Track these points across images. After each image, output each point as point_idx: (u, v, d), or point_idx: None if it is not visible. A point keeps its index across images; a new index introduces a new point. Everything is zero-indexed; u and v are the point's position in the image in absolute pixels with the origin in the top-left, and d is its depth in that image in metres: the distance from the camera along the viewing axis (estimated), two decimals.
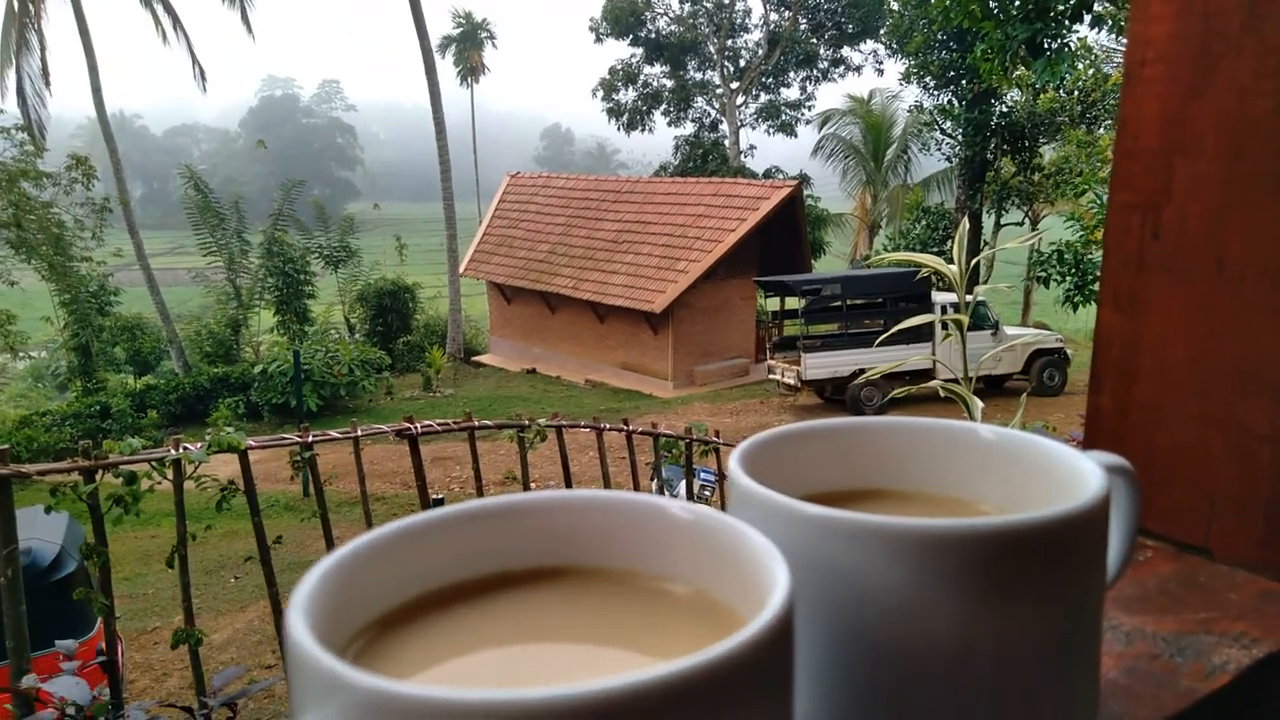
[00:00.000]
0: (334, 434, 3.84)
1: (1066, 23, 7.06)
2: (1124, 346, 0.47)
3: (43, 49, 21.54)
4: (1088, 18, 7.06)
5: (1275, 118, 0.41)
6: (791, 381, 16.22)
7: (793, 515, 0.33)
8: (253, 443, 3.40)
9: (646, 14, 31.33)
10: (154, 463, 3.12)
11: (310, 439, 3.62)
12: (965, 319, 2.54)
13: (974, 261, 2.87)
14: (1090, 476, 0.34)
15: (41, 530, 5.49)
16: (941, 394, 2.02)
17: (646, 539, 0.35)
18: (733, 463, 0.38)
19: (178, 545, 3.25)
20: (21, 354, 19.06)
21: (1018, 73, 10.56)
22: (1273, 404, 0.42)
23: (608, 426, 4.71)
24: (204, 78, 23.61)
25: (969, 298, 2.68)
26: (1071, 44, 10.07)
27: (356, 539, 0.34)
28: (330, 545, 3.75)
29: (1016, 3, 6.91)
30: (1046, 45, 7.06)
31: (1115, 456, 0.37)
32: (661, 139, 34.13)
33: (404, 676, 0.30)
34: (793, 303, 17.24)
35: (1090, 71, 17.04)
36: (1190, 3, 0.44)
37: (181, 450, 3.16)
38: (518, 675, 0.32)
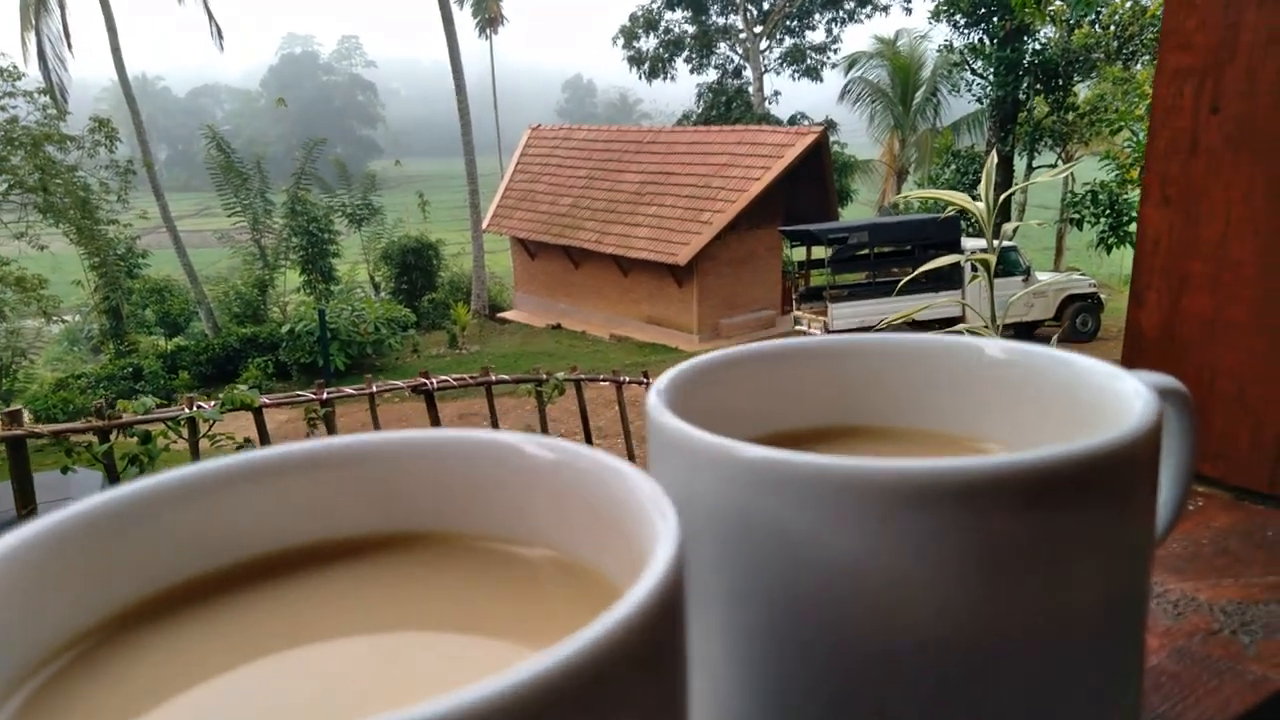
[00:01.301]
0: (349, 390, 3.82)
1: None
2: (1173, 248, 0.37)
3: (63, 10, 21.48)
4: None
5: None
6: (818, 332, 16.05)
7: (722, 459, 0.25)
8: (266, 400, 3.38)
9: None
10: (169, 421, 3.11)
11: (325, 395, 3.60)
12: (993, 259, 2.41)
13: (1002, 198, 2.72)
14: (1135, 398, 0.25)
15: (75, 490, 5.59)
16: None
17: (495, 491, 0.27)
18: (651, 396, 0.29)
19: None
20: (55, 318, 19.35)
21: (1052, 7, 10.14)
22: None
23: (627, 380, 4.65)
24: (221, 37, 23.47)
25: (997, 241, 2.55)
26: None
27: (78, 505, 0.25)
28: None
29: None
30: None
31: (1165, 376, 0.29)
32: (684, 87, 33.51)
33: None
34: (819, 252, 16.97)
35: (1128, 4, 16.32)
36: None
37: (195, 409, 3.14)
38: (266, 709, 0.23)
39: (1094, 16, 14.56)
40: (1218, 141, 0.36)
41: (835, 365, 0.33)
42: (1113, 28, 17.39)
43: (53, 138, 16.92)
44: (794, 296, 17.71)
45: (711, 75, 32.09)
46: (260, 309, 21.23)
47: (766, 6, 31.64)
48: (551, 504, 0.26)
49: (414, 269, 23.28)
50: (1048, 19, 13.29)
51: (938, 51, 24.29)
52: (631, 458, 4.54)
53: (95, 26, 21.39)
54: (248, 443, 3.31)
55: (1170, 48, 0.39)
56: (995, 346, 0.31)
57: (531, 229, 22.56)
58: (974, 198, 2.51)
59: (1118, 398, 0.26)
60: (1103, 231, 14.26)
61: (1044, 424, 0.30)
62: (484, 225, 23.53)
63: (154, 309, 19.65)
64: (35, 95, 17.70)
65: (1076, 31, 17.68)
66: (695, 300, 19.41)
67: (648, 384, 4.78)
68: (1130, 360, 0.40)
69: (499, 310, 24.20)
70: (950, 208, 2.56)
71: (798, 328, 16.76)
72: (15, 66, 17.58)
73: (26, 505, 2.79)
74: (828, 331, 15.79)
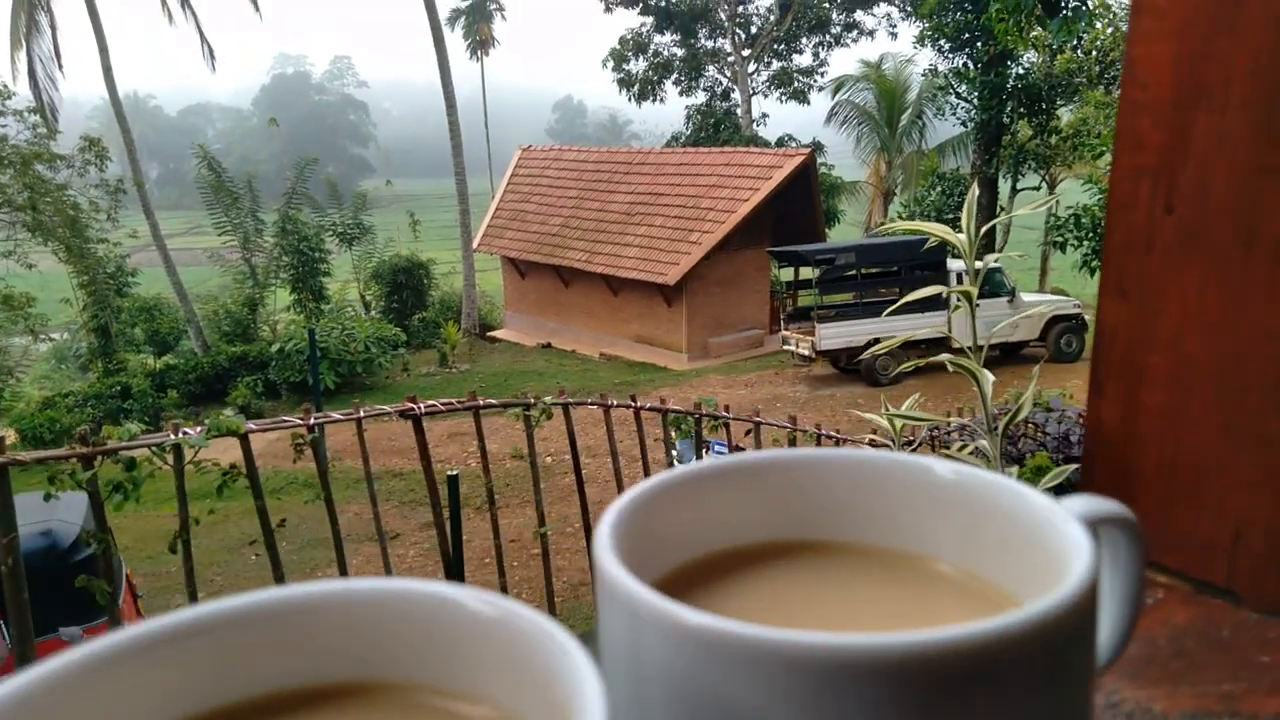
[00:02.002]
0: (336, 415, 3.80)
1: None
2: (1131, 341, 0.38)
3: (54, 31, 21.50)
4: None
5: None
6: (806, 352, 16.10)
7: (659, 621, 0.25)
8: (253, 426, 3.36)
9: None
10: (153, 448, 3.09)
11: (312, 421, 3.58)
12: (974, 290, 2.44)
13: (985, 229, 2.75)
14: (1074, 548, 0.25)
15: (62, 511, 5.51)
16: (950, 369, 1.94)
17: (440, 642, 0.27)
18: (599, 532, 0.28)
19: (180, 530, 3.23)
20: (43, 336, 19.23)
21: (1034, 33, 10.28)
22: None
23: (615, 403, 4.64)
24: (213, 57, 23.52)
25: (979, 264, 2.57)
26: (1089, 2, 9.79)
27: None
28: (335, 527, 3.72)
29: None
30: (1062, 4, 6.83)
31: (1110, 503, 0.29)
32: (673, 109, 33.73)
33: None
34: (807, 273, 17.06)
35: (1109, 30, 16.58)
36: None
37: (180, 435, 3.12)
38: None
39: (1076, 42, 14.77)
40: (1172, 241, 0.37)
41: (786, 480, 0.33)
42: (1094, 53, 17.65)
43: (43, 156, 16.89)
44: (782, 316, 17.79)
45: (700, 97, 32.35)
46: (250, 327, 21.15)
47: (754, 30, 31.97)
48: (493, 659, 0.26)
49: (404, 288, 23.27)
50: (1030, 45, 13.48)
51: (923, 75, 24.56)
52: (619, 478, 4.51)
53: (87, 45, 21.41)
54: (233, 469, 3.29)
55: (1125, 147, 0.40)
56: (944, 467, 0.30)
57: (522, 248, 22.62)
58: (956, 228, 2.53)
59: (1058, 537, 0.27)
60: (1086, 254, 14.40)
61: (989, 546, 0.30)
62: (474, 244, 23.56)
63: (143, 327, 19.55)
64: (25, 114, 17.68)
65: (1059, 57, 17.92)
66: (684, 319, 19.47)
67: (636, 407, 4.78)
68: (1092, 449, 0.40)
69: (489, 329, 24.19)
70: (933, 239, 2.59)
71: (786, 347, 16.82)
72: (6, 86, 17.56)
73: (7, 533, 2.76)
74: (816, 350, 15.81)
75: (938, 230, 2.80)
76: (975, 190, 2.80)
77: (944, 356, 2.64)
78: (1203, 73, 0.35)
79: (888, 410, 3.58)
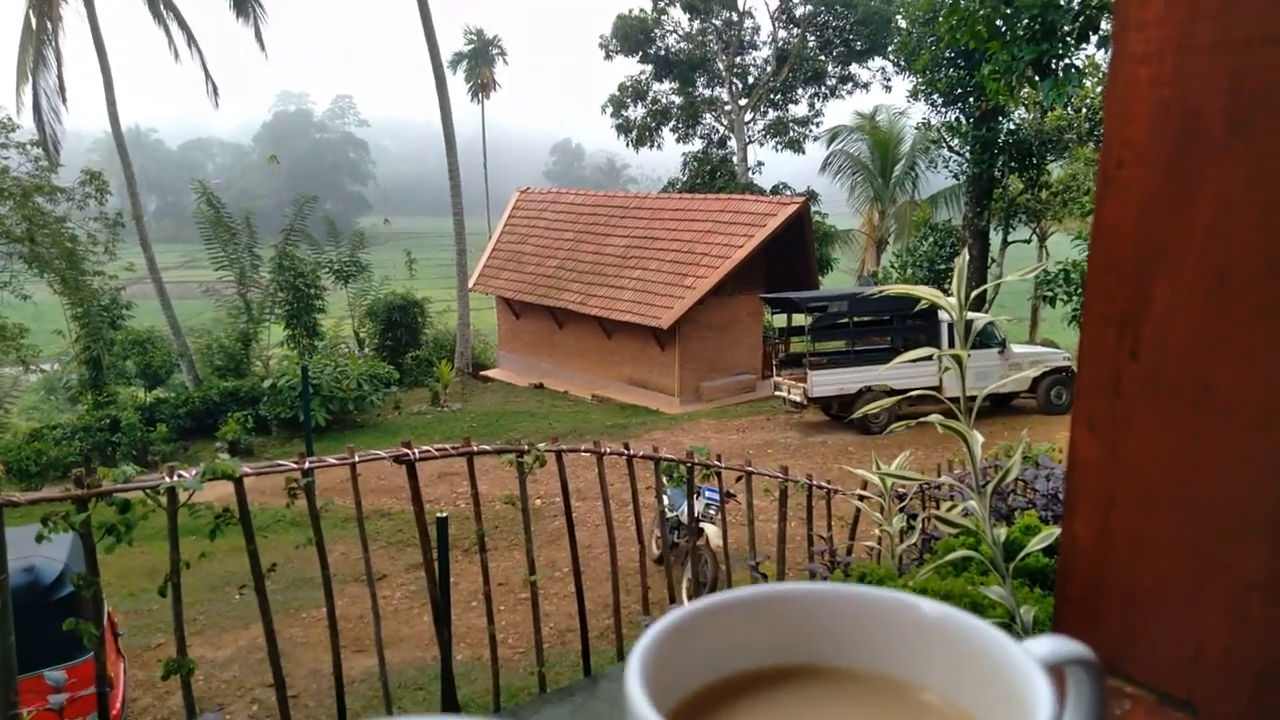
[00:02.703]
0: (331, 460, 3.80)
1: (1073, 43, 7.00)
2: (1101, 471, 0.43)
3: (59, 65, 21.76)
4: (1094, 38, 7.00)
5: (1262, 234, 0.37)
6: (798, 399, 16.15)
7: None
8: (248, 469, 3.37)
9: (656, 31, 31.48)
10: (148, 490, 3.10)
11: (307, 465, 3.59)
12: (965, 354, 2.49)
13: (975, 293, 2.82)
14: (1039, 696, 0.29)
15: (45, 547, 5.45)
16: (940, 430, 1.98)
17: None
18: (630, 665, 0.33)
19: (171, 574, 3.21)
20: (33, 367, 19.17)
21: (1025, 92, 10.52)
22: (1265, 549, 0.37)
23: (608, 450, 4.66)
24: (217, 94, 23.82)
25: (970, 316, 2.64)
26: (1078, 63, 10.00)
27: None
28: (326, 572, 3.71)
29: (1023, 23, 6.86)
30: (1053, 65, 7.01)
31: (1074, 646, 0.32)
32: (671, 155, 34.21)
33: None
34: (799, 319, 17.20)
35: (1098, 89, 16.97)
36: (1170, 103, 0.40)
37: (176, 478, 3.13)
38: None
39: (1065, 102, 15.10)
40: (1136, 385, 0.42)
41: (794, 610, 0.37)
42: (1084, 111, 18.04)
43: (43, 189, 17.00)
44: (774, 363, 17.88)
45: (697, 144, 32.85)
46: (243, 362, 21.13)
47: (751, 80, 32.59)
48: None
49: (399, 325, 23.33)
50: (1021, 103, 13.76)
51: (916, 128, 25.00)
52: (609, 526, 4.51)
53: (91, 78, 21.70)
54: (226, 511, 3.30)
55: (1095, 298, 0.45)
56: (930, 606, 0.34)
57: (517, 289, 22.75)
58: (946, 288, 2.60)
59: (1024, 682, 0.31)
60: (1075, 309, 14.55)
61: (968, 681, 0.34)
62: (470, 284, 23.69)
63: (135, 360, 19.51)
64: (28, 147, 17.83)
65: (1049, 114, 18.31)
66: (677, 363, 19.54)
67: (629, 455, 4.80)
68: (1066, 567, 0.44)
69: (482, 368, 24.21)
70: (924, 301, 2.65)
71: (778, 393, 16.88)
72: (10, 119, 17.74)
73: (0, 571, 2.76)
74: (808, 397, 15.86)
75: (929, 294, 2.87)
76: (965, 256, 2.87)
77: (934, 418, 2.69)
78: (1162, 240, 0.40)
79: (879, 468, 3.61)
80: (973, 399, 2.92)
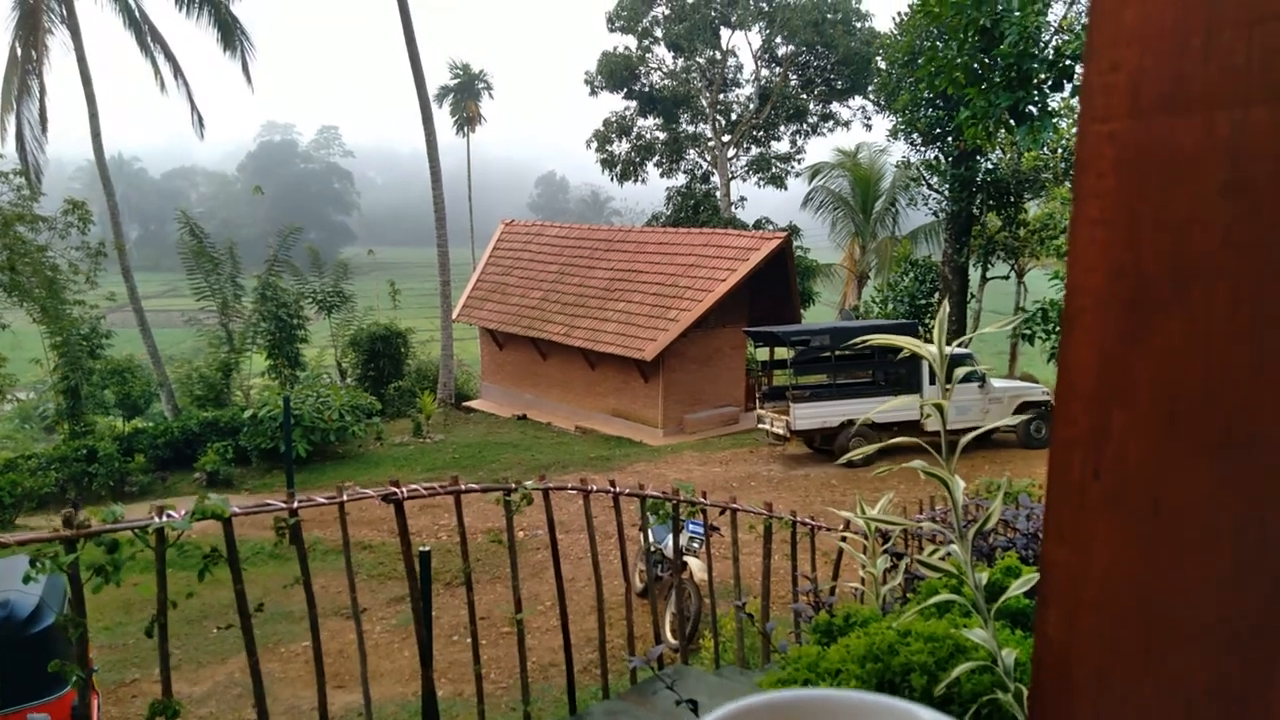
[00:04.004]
0: (320, 499, 3.81)
1: (1048, 90, 7.21)
2: (1070, 575, 0.49)
3: (42, 95, 21.78)
4: (1069, 86, 7.22)
5: (1205, 384, 0.43)
6: (780, 431, 16.24)
7: None
8: (237, 509, 3.37)
9: (640, 69, 31.97)
10: (136, 531, 3.10)
11: (295, 505, 3.60)
12: (948, 405, 2.56)
13: (956, 344, 2.90)
14: None
15: (20, 580, 5.38)
16: (923, 477, 2.04)
17: None
18: None
19: (158, 614, 3.21)
20: (10, 396, 18.93)
21: (1001, 137, 10.78)
22: (1215, 655, 0.43)
23: (594, 489, 4.70)
24: (202, 125, 23.89)
25: (950, 349, 2.72)
26: (1054, 104, 10.26)
27: None
28: (313, 613, 3.70)
29: (999, 71, 7.06)
30: (1029, 111, 7.21)
31: None
32: (654, 188, 34.58)
33: None
34: (782, 352, 17.33)
35: (1074, 129, 17.38)
36: (1123, 264, 0.46)
37: (165, 518, 3.13)
38: None
39: (1041, 148, 15.47)
40: (1098, 501, 0.48)
41: (802, 716, 0.41)
42: (1060, 151, 18.46)
43: (25, 218, 16.93)
44: (757, 395, 17.98)
45: (681, 179, 33.27)
46: (223, 392, 20.97)
47: (734, 118, 33.10)
48: None
49: (381, 356, 23.28)
50: (997, 146, 14.07)
51: (896, 166, 25.47)
52: (594, 554, 4.53)
53: (75, 106, 21.70)
54: (214, 551, 3.31)
55: (1062, 421, 0.51)
56: (928, 714, 0.39)
57: (501, 320, 22.81)
58: (927, 328, 2.68)
59: None
60: (1053, 347, 14.77)
61: None
62: (454, 315, 23.72)
63: (114, 390, 19.32)
64: (10, 176, 17.77)
65: (1026, 154, 18.72)
66: (661, 395, 19.61)
67: (615, 493, 4.83)
68: (1040, 662, 0.50)
69: (465, 399, 24.16)
70: (905, 352, 2.74)
71: (761, 426, 16.96)
72: None
73: None
74: (791, 430, 15.93)
75: (911, 344, 2.95)
76: (945, 307, 2.96)
77: (916, 463, 2.76)
78: (1118, 378, 0.47)
79: (863, 511, 3.66)
80: (955, 439, 2.98)
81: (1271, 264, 0.41)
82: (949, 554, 3.13)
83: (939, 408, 2.71)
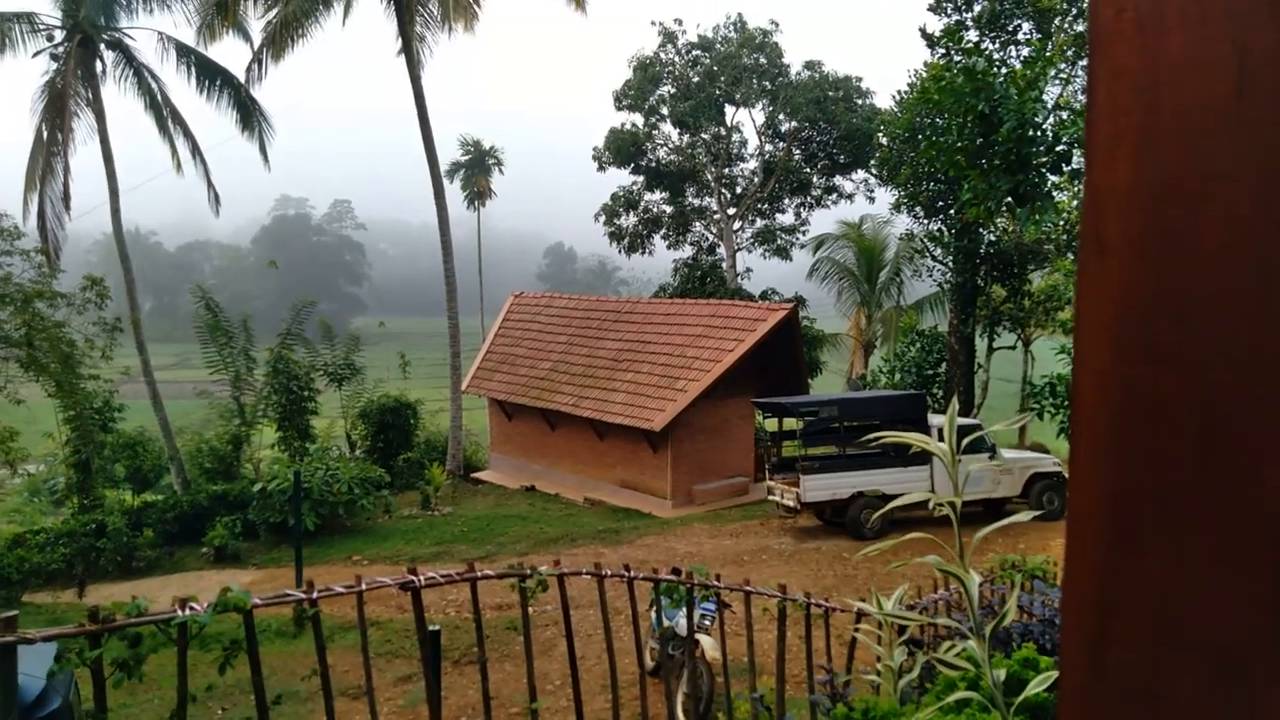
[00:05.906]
0: (339, 588, 3.85)
1: (1047, 173, 7.40)
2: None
3: (66, 175, 22.40)
4: (1067, 169, 7.40)
5: (1195, 594, 0.51)
6: (791, 503, 16.14)
7: None
8: (258, 601, 3.41)
9: (647, 145, 32.80)
10: (160, 625, 3.14)
11: (315, 595, 3.64)
12: (959, 500, 2.61)
13: (964, 443, 2.96)
14: None
15: (26, 662, 5.36)
16: (938, 572, 2.09)
17: None
18: None
19: (178, 709, 3.22)
20: (21, 471, 19.01)
21: (1001, 219, 10.99)
22: None
23: (609, 573, 4.72)
24: (218, 202, 24.47)
25: (961, 422, 2.76)
26: (1054, 181, 10.50)
27: None
28: (329, 702, 3.70)
29: (998, 154, 7.26)
30: (1030, 193, 7.38)
31: None
32: (662, 259, 35.07)
33: None
34: (791, 422, 17.32)
35: (1075, 203, 17.71)
36: (1117, 484, 0.55)
37: (189, 613, 3.17)
38: None
39: (1042, 230, 15.74)
40: (1106, 690, 0.55)
41: None
42: (1063, 224, 18.75)
43: (44, 294, 17.25)
44: (767, 466, 17.91)
45: (687, 251, 33.79)
46: (233, 465, 21.01)
47: (739, 191, 33.80)
48: None
49: (391, 428, 23.36)
50: (996, 225, 14.33)
51: (900, 238, 25.81)
52: (609, 637, 4.50)
53: (95, 183, 22.27)
54: (234, 644, 3.33)
55: (1069, 628, 0.59)
56: None
57: (510, 391, 22.92)
58: (935, 410, 2.74)
59: None
60: (1063, 422, 14.77)
61: None
62: (464, 386, 23.86)
63: (124, 463, 19.37)
64: (31, 254, 18.18)
65: (1028, 228, 19.03)
66: (669, 465, 19.55)
67: (629, 578, 4.84)
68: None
69: (474, 469, 24.12)
70: (914, 448, 2.80)
71: (771, 497, 16.86)
72: (16, 226, 18.16)
73: (7, 713, 2.78)
74: (801, 502, 15.83)
75: (920, 440, 3.01)
76: (956, 404, 3.03)
77: (931, 558, 2.80)
78: (1117, 589, 0.55)
79: (880, 606, 3.67)
80: (967, 538, 2.99)
81: (1240, 502, 0.49)
82: (964, 649, 3.13)
83: (953, 505, 2.74)
